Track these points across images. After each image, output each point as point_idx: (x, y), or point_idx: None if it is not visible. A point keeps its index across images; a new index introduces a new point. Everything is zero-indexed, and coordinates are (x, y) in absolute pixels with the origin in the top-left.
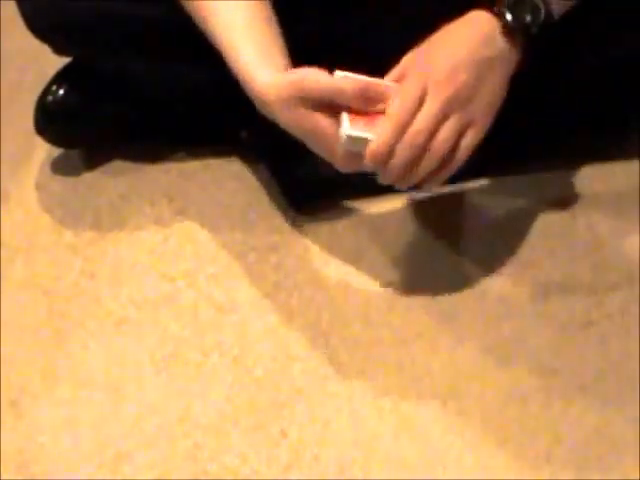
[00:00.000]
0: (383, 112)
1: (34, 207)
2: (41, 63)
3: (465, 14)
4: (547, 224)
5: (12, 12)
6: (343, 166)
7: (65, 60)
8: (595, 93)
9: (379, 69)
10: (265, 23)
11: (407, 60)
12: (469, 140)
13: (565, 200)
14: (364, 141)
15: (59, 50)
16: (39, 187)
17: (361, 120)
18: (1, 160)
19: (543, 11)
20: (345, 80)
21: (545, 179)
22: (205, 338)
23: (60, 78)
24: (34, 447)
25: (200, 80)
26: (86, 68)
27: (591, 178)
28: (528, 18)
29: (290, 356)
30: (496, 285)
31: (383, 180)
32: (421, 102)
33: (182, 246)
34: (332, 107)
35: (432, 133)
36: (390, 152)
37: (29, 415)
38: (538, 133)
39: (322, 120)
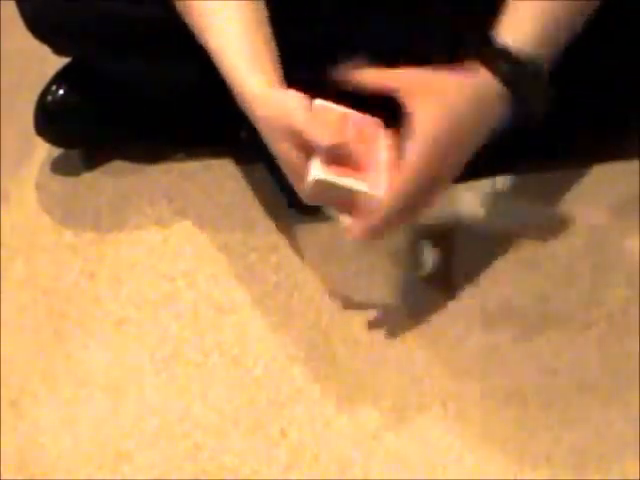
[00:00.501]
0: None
1: (34, 207)
2: (41, 63)
3: (474, 73)
4: (547, 224)
5: (12, 12)
6: (307, 200)
7: (65, 60)
8: (595, 93)
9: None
10: (258, 28)
11: (420, 120)
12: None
13: (565, 200)
14: (332, 185)
15: (59, 50)
16: (39, 187)
17: (333, 163)
18: (1, 160)
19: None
20: (320, 131)
21: (545, 179)
22: (205, 338)
23: (60, 78)
24: (34, 447)
25: (200, 80)
26: (86, 68)
27: (591, 178)
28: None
29: (290, 356)
30: (496, 285)
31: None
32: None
33: (182, 246)
34: (304, 142)
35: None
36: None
37: (29, 415)
38: (538, 133)
39: (294, 154)
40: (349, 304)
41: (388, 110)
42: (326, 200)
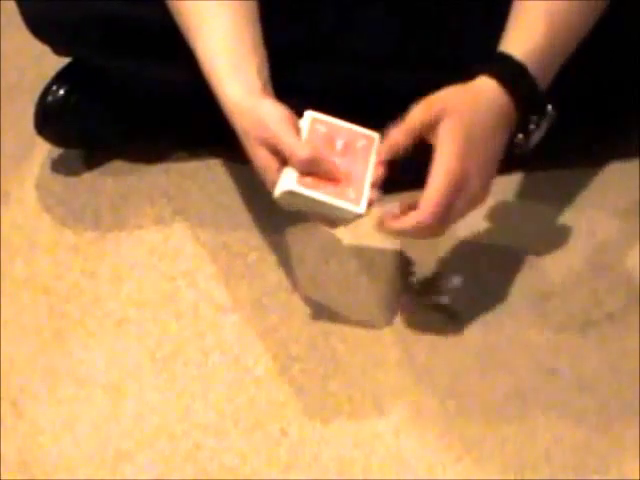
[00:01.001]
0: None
1: (34, 207)
2: (41, 63)
3: (486, 90)
4: (547, 224)
5: (12, 12)
6: (281, 206)
7: (65, 60)
8: (595, 93)
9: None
10: (246, 30)
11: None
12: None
13: (565, 200)
14: (304, 197)
15: (59, 50)
16: (39, 187)
17: (309, 175)
18: (1, 160)
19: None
20: (294, 144)
21: (545, 179)
22: (205, 338)
23: (60, 78)
24: (34, 447)
25: (199, 80)
26: (86, 68)
27: (591, 178)
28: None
29: (290, 356)
30: (496, 285)
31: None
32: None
33: (182, 246)
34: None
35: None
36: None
37: (29, 415)
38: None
39: (269, 161)
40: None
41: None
42: (300, 207)
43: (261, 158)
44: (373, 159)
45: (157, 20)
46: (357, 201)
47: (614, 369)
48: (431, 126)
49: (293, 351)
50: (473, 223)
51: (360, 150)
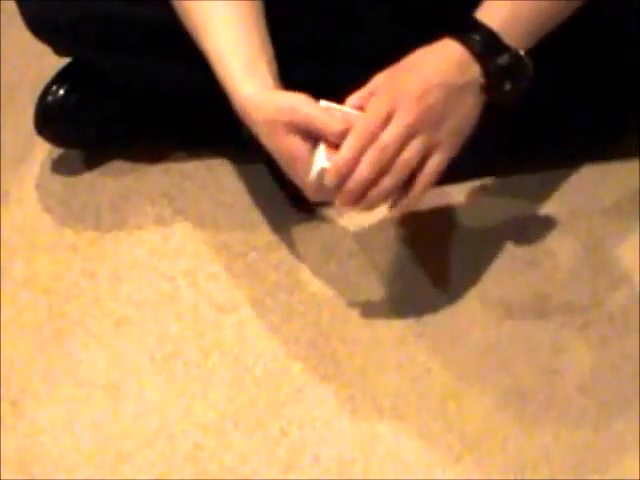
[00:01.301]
0: None
1: (34, 207)
2: (41, 63)
3: (437, 40)
4: (547, 224)
5: (12, 12)
6: (313, 194)
7: (65, 60)
8: (594, 93)
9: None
10: (254, 29)
11: (377, 80)
12: (434, 163)
13: (565, 200)
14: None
15: (59, 50)
16: (39, 187)
17: (335, 153)
18: (1, 160)
19: (512, 53)
20: (333, 117)
21: (545, 179)
22: (205, 338)
23: (60, 78)
24: (34, 447)
25: (200, 80)
26: (86, 68)
27: (591, 178)
28: (497, 57)
29: (290, 356)
30: (496, 285)
31: (340, 202)
32: (388, 121)
33: (182, 246)
34: (310, 134)
35: (395, 151)
36: (352, 169)
37: (29, 415)
38: (538, 133)
39: (299, 146)
40: None
41: None
42: (331, 193)
43: (290, 146)
44: None
45: (157, 19)
46: None
47: (614, 369)
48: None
49: (293, 351)
50: (473, 222)
51: None
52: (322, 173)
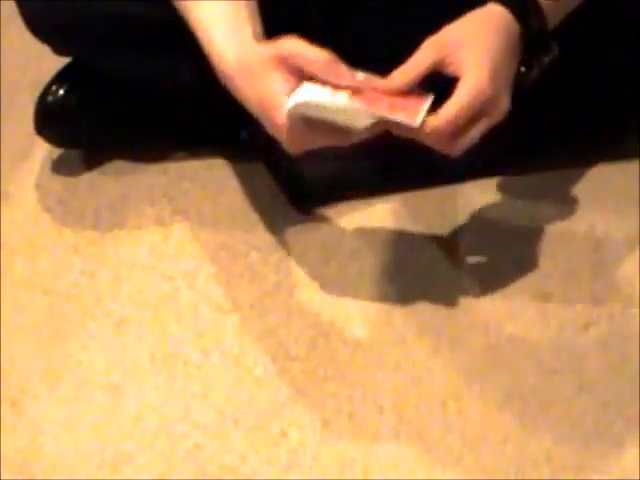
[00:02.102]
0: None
1: (34, 207)
2: (41, 63)
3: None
4: (547, 224)
5: (12, 12)
6: (291, 142)
7: (65, 60)
8: (595, 93)
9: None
10: (242, 5)
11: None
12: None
13: (565, 200)
14: (320, 109)
15: (59, 50)
16: (39, 187)
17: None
18: (1, 160)
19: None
20: (321, 51)
21: (545, 179)
22: (205, 338)
23: (60, 78)
24: (34, 447)
25: (200, 80)
26: (86, 68)
27: (591, 178)
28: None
29: (290, 356)
30: (496, 285)
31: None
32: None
33: (182, 246)
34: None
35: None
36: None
37: (29, 415)
38: (538, 133)
39: (289, 78)
40: None
41: None
42: (307, 140)
43: (275, 81)
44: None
45: (157, 19)
46: (366, 112)
47: (614, 369)
48: (447, 63)
49: (293, 352)
50: (473, 222)
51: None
52: (307, 107)
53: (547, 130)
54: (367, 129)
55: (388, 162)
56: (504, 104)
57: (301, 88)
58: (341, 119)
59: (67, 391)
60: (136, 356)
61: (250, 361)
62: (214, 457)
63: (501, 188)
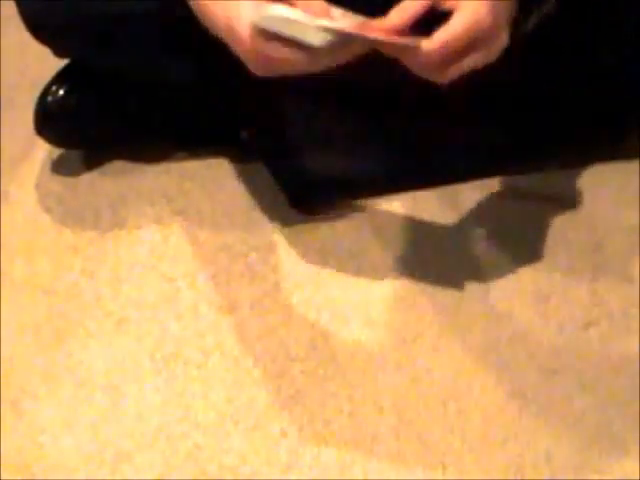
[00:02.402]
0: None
1: (34, 207)
2: (41, 63)
3: None
4: (547, 224)
5: (12, 12)
6: (257, 61)
7: (65, 60)
8: (595, 93)
9: None
10: None
11: None
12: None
13: (565, 200)
14: (284, 23)
15: (59, 51)
16: (39, 187)
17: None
18: (1, 160)
19: None
20: None
21: (545, 179)
22: (205, 338)
23: (60, 78)
24: (34, 447)
25: (200, 80)
26: (86, 68)
27: (591, 178)
28: None
29: (290, 356)
30: (496, 285)
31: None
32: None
33: (182, 246)
34: None
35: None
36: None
37: (29, 415)
38: (538, 133)
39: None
40: None
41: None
42: (275, 57)
43: (246, 3)
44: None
45: (157, 19)
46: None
47: (614, 369)
48: None
49: (293, 352)
50: (472, 223)
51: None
52: (273, 20)
53: (547, 130)
54: (327, 46)
55: (388, 162)
56: (502, 39)
57: (268, 4)
58: (301, 35)
59: (67, 391)
60: (136, 356)
61: (250, 362)
62: (214, 457)
63: (501, 188)
